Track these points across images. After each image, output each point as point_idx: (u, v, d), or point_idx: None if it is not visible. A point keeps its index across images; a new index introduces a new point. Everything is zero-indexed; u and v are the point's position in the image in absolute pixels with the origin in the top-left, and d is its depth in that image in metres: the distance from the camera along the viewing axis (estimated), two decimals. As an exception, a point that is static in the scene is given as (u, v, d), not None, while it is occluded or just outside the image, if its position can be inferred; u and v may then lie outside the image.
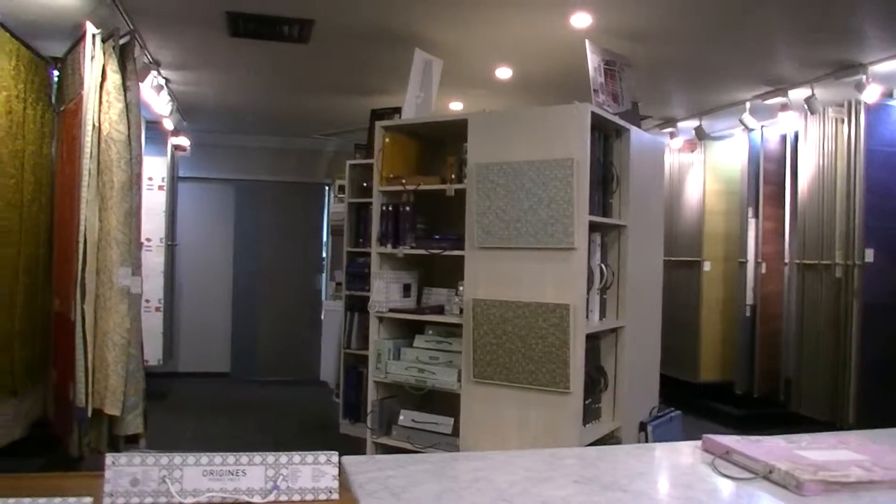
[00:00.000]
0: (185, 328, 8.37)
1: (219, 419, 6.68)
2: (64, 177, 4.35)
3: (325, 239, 8.77)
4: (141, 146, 4.13)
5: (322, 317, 8.56)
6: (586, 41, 3.55)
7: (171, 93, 6.00)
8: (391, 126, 4.18)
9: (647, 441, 3.41)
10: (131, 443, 4.15)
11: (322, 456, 1.46)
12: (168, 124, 6.51)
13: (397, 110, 6.00)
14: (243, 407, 7.29)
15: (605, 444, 3.34)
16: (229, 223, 8.63)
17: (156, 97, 5.54)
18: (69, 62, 4.47)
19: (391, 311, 4.02)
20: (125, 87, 4.05)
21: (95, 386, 3.94)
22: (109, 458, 1.37)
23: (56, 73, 4.77)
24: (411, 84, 4.31)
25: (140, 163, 4.13)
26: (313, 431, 6.31)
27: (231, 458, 1.43)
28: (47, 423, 4.72)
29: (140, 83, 4.33)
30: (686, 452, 1.84)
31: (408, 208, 4.00)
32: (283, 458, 1.43)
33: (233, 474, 1.42)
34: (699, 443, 1.84)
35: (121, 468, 1.36)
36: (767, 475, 1.55)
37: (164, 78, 5.63)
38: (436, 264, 4.04)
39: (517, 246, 3.31)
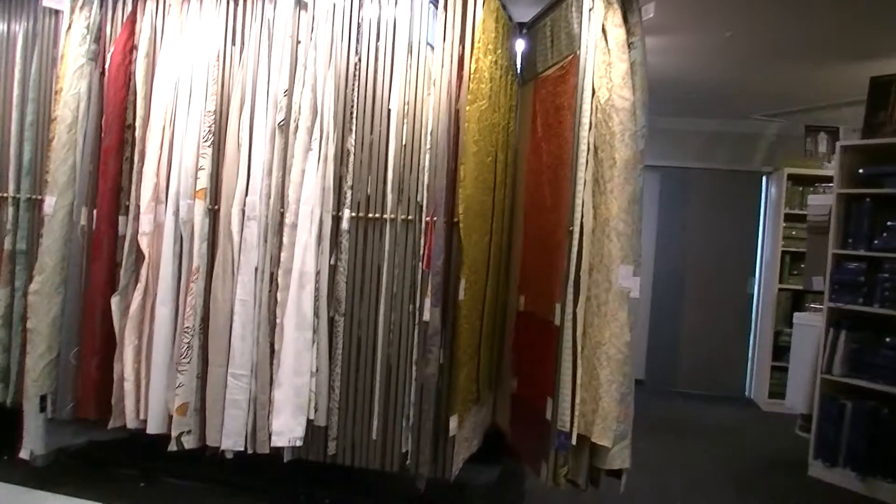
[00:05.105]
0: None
1: (656, 437, 5.81)
2: (540, 155, 3.72)
3: (759, 236, 7.56)
4: (646, 116, 3.35)
5: (757, 327, 7.43)
6: None
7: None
8: None
9: None
10: (613, 477, 3.40)
11: None
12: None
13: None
14: (675, 425, 6.37)
15: None
16: (652, 215, 7.73)
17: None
18: (545, 25, 3.84)
19: None
20: (629, 45, 3.29)
21: (582, 407, 3.24)
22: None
23: (521, 41, 4.19)
24: None
25: (644, 137, 3.34)
26: (773, 468, 5.22)
27: None
28: (496, 432, 4.19)
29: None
30: None
31: None
32: None
33: None
34: None
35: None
36: None
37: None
38: None
39: None
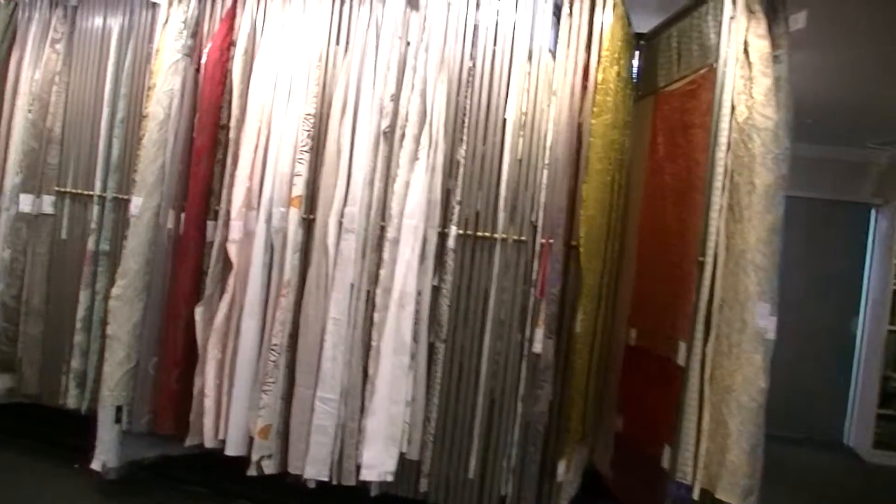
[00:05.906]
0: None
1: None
2: (662, 177, 3.41)
3: (865, 272, 7.06)
4: (790, 138, 3.01)
5: (859, 370, 6.94)
6: None
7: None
8: None
9: None
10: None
11: None
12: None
13: None
14: (768, 471, 5.92)
15: None
16: (748, 244, 7.30)
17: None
18: (670, 35, 3.54)
19: None
20: (773, 58, 2.96)
21: (706, 458, 2.91)
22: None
23: (638, 53, 3.88)
24: None
25: (787, 160, 3.00)
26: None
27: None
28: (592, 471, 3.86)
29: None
30: None
31: None
32: None
33: None
34: None
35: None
36: None
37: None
38: None
39: None
